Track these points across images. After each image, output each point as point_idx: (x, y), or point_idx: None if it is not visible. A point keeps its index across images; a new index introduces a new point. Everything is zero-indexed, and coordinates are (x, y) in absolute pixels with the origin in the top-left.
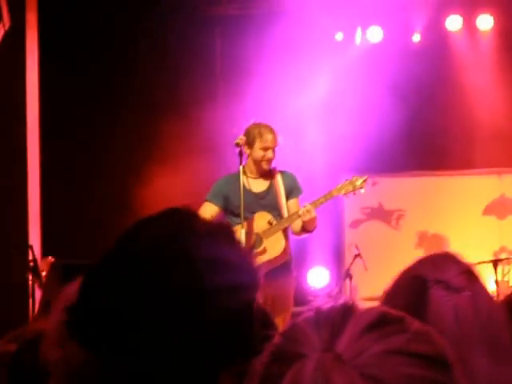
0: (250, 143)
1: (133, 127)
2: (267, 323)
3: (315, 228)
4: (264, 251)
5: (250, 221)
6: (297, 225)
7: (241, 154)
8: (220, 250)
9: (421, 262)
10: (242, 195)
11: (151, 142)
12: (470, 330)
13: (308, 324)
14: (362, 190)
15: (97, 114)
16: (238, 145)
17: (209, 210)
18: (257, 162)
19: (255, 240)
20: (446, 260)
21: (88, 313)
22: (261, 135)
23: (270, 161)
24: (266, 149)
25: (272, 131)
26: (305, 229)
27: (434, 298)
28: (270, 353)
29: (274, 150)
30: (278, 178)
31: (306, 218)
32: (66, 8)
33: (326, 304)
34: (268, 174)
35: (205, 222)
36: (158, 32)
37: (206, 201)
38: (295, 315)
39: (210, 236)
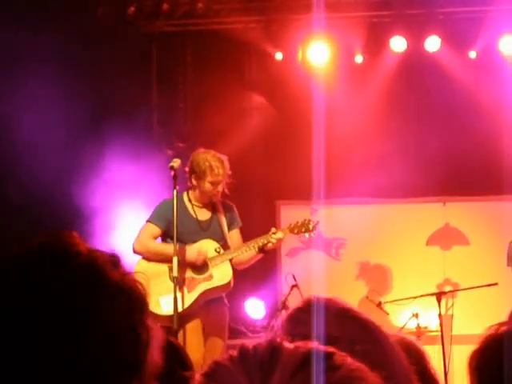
0: (198, 176)
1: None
2: (182, 360)
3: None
4: (210, 278)
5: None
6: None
7: (175, 177)
8: (97, 279)
9: None
10: (175, 221)
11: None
12: None
13: (234, 364)
14: (313, 234)
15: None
16: (172, 168)
17: (151, 232)
18: (205, 194)
19: (202, 265)
20: None
21: None
22: (212, 170)
23: (219, 194)
24: (217, 183)
25: (223, 164)
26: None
27: None
28: None
29: (223, 183)
30: (220, 208)
31: (275, 244)
32: None
33: (249, 342)
34: (210, 203)
35: (78, 252)
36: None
37: (149, 222)
38: (231, 348)
39: (86, 266)
